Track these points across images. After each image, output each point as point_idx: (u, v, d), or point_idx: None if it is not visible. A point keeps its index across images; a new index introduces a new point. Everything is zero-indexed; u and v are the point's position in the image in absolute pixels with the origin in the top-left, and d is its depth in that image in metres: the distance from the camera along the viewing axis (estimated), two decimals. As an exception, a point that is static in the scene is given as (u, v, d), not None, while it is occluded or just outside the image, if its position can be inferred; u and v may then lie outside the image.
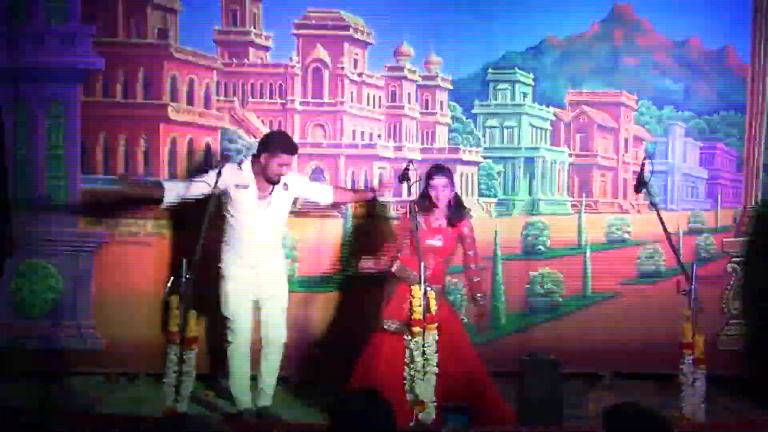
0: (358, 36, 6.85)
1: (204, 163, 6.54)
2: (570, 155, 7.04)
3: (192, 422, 3.45)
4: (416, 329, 5.04)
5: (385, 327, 5.54)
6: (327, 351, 6.53)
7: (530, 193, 6.97)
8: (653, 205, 5.63)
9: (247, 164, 5.69)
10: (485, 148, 6.95)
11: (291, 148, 5.68)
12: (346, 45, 6.84)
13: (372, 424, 3.28)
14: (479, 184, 6.92)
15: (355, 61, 6.89)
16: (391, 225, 6.45)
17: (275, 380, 5.82)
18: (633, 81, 6.97)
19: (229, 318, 5.67)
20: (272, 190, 5.66)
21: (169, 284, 5.07)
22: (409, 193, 5.44)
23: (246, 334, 5.69)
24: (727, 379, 6.30)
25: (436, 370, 5.08)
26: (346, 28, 6.83)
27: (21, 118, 6.47)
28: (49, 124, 6.51)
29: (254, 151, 5.81)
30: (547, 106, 7.01)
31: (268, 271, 5.71)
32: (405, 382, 5.07)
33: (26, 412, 4.95)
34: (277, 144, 5.63)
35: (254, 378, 5.80)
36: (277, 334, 5.73)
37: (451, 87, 6.89)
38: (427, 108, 6.95)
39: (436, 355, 5.08)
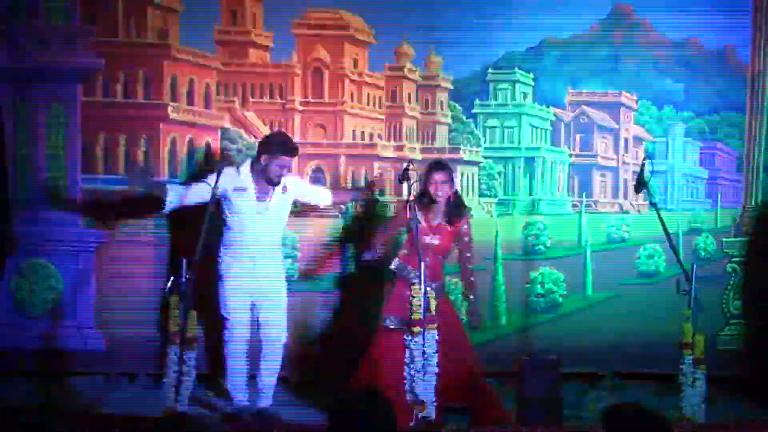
0: (358, 36, 6.85)
1: (204, 163, 6.54)
2: (570, 155, 7.04)
3: (192, 422, 3.45)
4: (416, 329, 5.04)
5: (386, 325, 5.55)
6: (327, 351, 6.53)
7: (530, 193, 6.97)
8: (653, 205, 5.63)
9: (246, 168, 5.69)
10: (485, 148, 6.95)
11: (291, 149, 5.68)
12: (346, 45, 6.83)
13: (372, 424, 3.28)
14: (479, 184, 6.92)
15: (355, 61, 6.89)
16: (388, 219, 6.42)
17: (275, 381, 5.82)
18: (633, 81, 6.97)
19: (226, 318, 5.68)
20: (271, 194, 5.66)
21: (169, 284, 5.07)
22: (409, 193, 5.43)
23: (243, 333, 5.70)
24: (727, 379, 6.29)
25: (436, 370, 5.08)
26: (346, 28, 6.83)
27: (21, 118, 6.47)
28: (49, 124, 6.50)
29: (254, 151, 5.81)
30: (547, 106, 7.01)
31: (266, 273, 5.71)
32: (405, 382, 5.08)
33: (26, 412, 4.96)
34: (277, 146, 5.63)
35: (254, 378, 5.81)
36: (276, 335, 5.73)
37: (451, 87, 6.89)
38: (427, 108, 6.95)
39: (436, 355, 5.08)
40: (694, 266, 5.36)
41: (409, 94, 6.93)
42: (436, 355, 5.08)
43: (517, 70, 6.90)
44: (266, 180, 5.62)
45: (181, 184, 6.08)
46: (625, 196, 7.03)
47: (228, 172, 5.59)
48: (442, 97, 6.93)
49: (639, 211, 6.96)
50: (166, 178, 6.50)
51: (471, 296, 5.83)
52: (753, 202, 6.94)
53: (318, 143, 6.82)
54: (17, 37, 6.43)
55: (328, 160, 6.81)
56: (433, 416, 5.08)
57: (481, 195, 6.92)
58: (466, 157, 6.91)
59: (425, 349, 5.05)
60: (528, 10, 6.71)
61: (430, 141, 6.93)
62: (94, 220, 6.52)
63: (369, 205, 6.59)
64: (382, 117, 6.94)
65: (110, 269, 6.52)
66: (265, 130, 6.61)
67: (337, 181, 6.74)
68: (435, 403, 5.09)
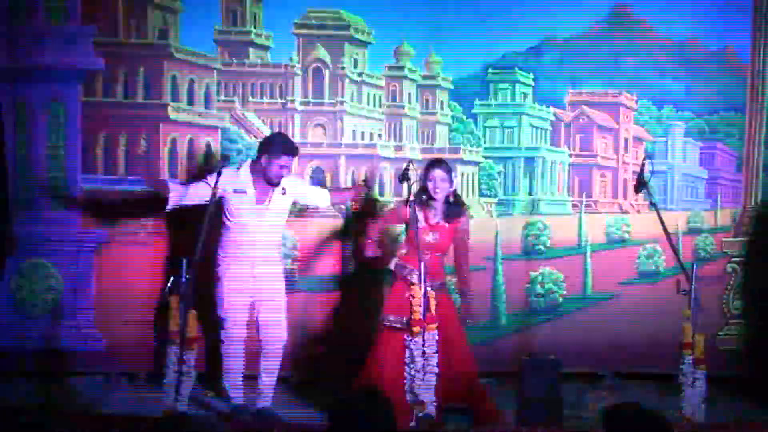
0: (358, 36, 6.85)
1: (204, 163, 6.54)
2: (570, 155, 7.04)
3: (192, 422, 3.46)
4: (416, 329, 5.04)
5: (386, 323, 5.54)
6: (327, 351, 6.53)
7: (530, 193, 6.97)
8: (653, 205, 5.63)
9: (245, 169, 5.69)
10: (485, 148, 6.95)
11: (292, 150, 5.67)
12: (346, 45, 6.84)
13: (372, 424, 3.28)
14: (479, 184, 6.92)
15: (355, 60, 6.89)
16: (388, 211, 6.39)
17: (274, 381, 5.81)
18: (633, 81, 6.97)
19: (223, 318, 5.67)
20: (270, 195, 5.66)
21: (169, 284, 5.07)
22: (409, 192, 5.43)
23: (239, 333, 5.69)
24: (727, 379, 6.29)
25: (436, 370, 5.08)
26: (346, 28, 6.83)
27: (21, 118, 6.46)
28: (49, 124, 6.50)
29: (254, 151, 5.81)
30: (547, 107, 7.01)
31: (265, 274, 5.69)
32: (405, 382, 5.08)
33: (26, 412, 4.97)
34: (277, 146, 5.62)
35: (254, 378, 5.80)
36: (276, 336, 5.72)
37: (451, 87, 6.90)
38: (427, 108, 6.95)
39: (436, 355, 5.08)
40: (694, 266, 5.36)
41: (409, 94, 6.93)
42: (436, 355, 5.08)
43: (517, 70, 6.90)
44: (266, 180, 5.61)
45: (181, 183, 6.09)
46: (625, 196, 7.03)
47: (228, 172, 5.58)
48: (442, 97, 6.93)
49: (639, 211, 6.96)
50: (166, 178, 6.49)
51: (465, 290, 5.77)
52: (753, 202, 6.94)
53: (318, 143, 6.82)
54: (17, 37, 6.42)
55: (328, 160, 6.81)
56: (433, 416, 5.07)
57: (481, 195, 6.92)
58: (466, 157, 6.91)
59: (425, 349, 5.05)
60: (528, 10, 6.71)
61: (430, 141, 6.93)
62: (95, 219, 6.52)
63: (367, 203, 6.58)
64: (382, 117, 6.94)
65: (110, 269, 6.51)
66: (265, 130, 6.62)
67: (337, 181, 6.73)
68: (435, 403, 5.09)
